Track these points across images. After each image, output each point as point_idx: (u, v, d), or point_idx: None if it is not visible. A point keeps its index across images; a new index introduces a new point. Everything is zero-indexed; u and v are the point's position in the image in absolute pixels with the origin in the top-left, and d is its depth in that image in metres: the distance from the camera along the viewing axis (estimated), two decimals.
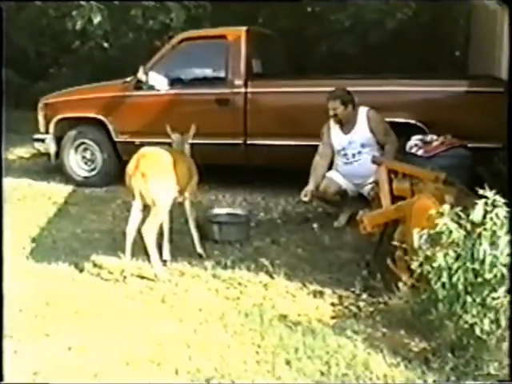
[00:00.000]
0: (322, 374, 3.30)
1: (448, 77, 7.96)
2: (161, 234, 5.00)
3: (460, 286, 3.28)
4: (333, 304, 4.21)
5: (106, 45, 14.71)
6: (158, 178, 4.64)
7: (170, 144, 5.36)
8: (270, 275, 4.66)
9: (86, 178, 7.89)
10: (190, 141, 5.42)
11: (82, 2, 10.86)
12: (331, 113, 5.75)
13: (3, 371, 3.09)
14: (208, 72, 7.62)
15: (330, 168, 5.94)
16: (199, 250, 5.16)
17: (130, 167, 4.73)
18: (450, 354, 3.36)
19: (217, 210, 6.03)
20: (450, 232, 3.35)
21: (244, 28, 7.29)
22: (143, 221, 4.68)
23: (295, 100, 6.98)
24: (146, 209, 4.72)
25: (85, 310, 4.13)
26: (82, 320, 3.99)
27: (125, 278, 4.66)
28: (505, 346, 3.25)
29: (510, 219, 3.33)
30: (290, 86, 7.19)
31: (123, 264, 4.79)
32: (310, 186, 5.70)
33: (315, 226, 5.89)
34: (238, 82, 7.07)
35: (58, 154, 8.01)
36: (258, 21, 13.05)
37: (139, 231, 4.66)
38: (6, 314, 3.88)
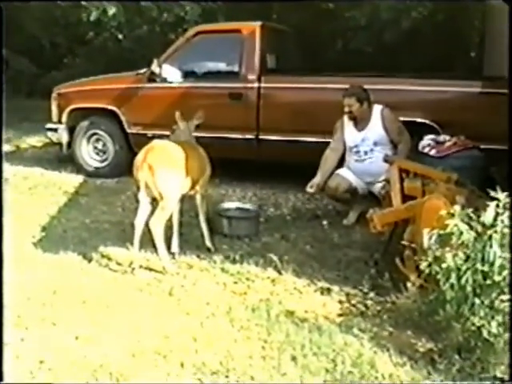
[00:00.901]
0: (328, 371, 3.30)
1: (462, 77, 7.92)
2: (170, 227, 5.01)
3: (468, 288, 3.27)
4: (340, 302, 4.20)
5: (120, 36, 14.75)
6: (164, 171, 4.61)
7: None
8: (278, 271, 4.66)
9: (97, 168, 7.91)
10: (201, 134, 5.42)
11: (95, 3, 10.92)
12: (346, 109, 5.72)
13: (3, 371, 3.09)
14: (222, 66, 7.61)
15: (341, 165, 5.92)
16: (208, 243, 5.16)
17: (138, 159, 4.72)
18: (456, 356, 3.35)
19: (227, 205, 6.04)
20: (461, 233, 3.34)
21: (259, 23, 7.27)
22: (152, 213, 4.68)
23: (308, 96, 6.97)
24: (155, 201, 4.71)
25: (92, 300, 4.14)
26: (90, 310, 4.00)
27: (133, 269, 4.67)
28: None
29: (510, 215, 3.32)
30: (303, 82, 7.17)
31: (132, 255, 4.79)
32: (317, 179, 5.68)
33: (325, 223, 5.88)
34: (252, 76, 7.06)
35: (70, 143, 8.03)
36: (272, 16, 13.03)
37: (148, 224, 4.66)
38: (13, 303, 3.91)
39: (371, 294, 4.23)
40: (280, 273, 4.63)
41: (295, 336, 3.65)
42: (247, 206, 6.14)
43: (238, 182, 7.34)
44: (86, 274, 4.63)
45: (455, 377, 3.22)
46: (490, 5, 9.51)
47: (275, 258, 4.77)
